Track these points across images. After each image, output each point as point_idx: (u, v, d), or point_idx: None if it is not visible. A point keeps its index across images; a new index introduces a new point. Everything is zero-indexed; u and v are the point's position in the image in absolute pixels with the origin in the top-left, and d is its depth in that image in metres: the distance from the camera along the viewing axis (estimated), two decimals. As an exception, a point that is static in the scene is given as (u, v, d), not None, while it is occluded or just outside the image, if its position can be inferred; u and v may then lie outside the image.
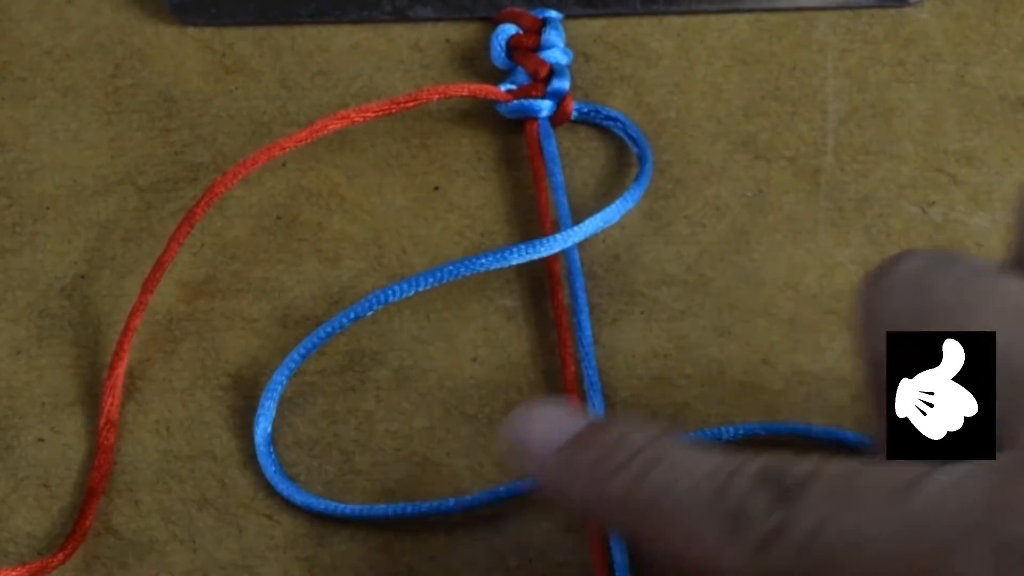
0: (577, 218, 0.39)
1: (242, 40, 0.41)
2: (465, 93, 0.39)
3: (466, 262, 0.37)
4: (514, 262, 0.37)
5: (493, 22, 0.41)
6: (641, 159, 0.39)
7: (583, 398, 0.36)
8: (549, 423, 0.29)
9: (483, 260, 0.37)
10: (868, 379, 0.29)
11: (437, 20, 0.42)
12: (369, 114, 0.38)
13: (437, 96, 0.39)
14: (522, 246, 0.37)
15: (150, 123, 0.40)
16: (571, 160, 0.40)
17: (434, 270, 0.37)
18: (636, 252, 0.39)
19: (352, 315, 0.36)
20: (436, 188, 0.40)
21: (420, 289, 0.36)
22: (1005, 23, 0.41)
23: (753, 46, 0.41)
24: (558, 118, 0.40)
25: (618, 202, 0.38)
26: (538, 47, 0.40)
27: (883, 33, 0.41)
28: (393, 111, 0.38)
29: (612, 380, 0.37)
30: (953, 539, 0.25)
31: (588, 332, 0.37)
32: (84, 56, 0.41)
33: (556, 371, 0.37)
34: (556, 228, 0.38)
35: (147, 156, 0.40)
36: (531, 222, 0.39)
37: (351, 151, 0.40)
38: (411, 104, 0.38)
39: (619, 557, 0.34)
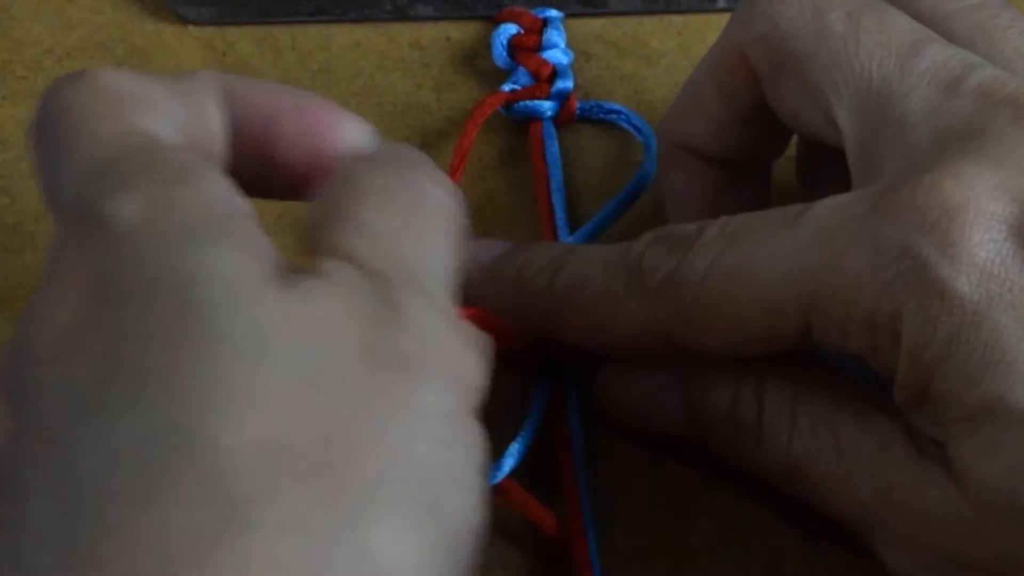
0: (578, 218, 0.38)
1: (243, 39, 0.41)
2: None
3: None
4: None
5: (494, 21, 0.41)
6: (647, 147, 0.39)
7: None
8: (481, 250, 0.34)
9: None
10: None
11: (438, 19, 0.42)
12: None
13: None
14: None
15: (151, 122, 0.40)
16: (572, 159, 0.40)
17: None
18: (637, 252, 0.39)
19: None
20: (436, 187, 0.40)
21: None
22: (1007, 22, 0.41)
23: (754, 45, 0.41)
24: (562, 118, 0.40)
25: (635, 178, 0.38)
26: (539, 47, 0.40)
27: (885, 32, 0.41)
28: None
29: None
30: (839, 246, 0.27)
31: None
32: (85, 55, 0.41)
33: (555, 371, 0.37)
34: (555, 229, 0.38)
35: (148, 155, 0.40)
36: (531, 222, 0.39)
37: (351, 150, 0.40)
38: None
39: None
